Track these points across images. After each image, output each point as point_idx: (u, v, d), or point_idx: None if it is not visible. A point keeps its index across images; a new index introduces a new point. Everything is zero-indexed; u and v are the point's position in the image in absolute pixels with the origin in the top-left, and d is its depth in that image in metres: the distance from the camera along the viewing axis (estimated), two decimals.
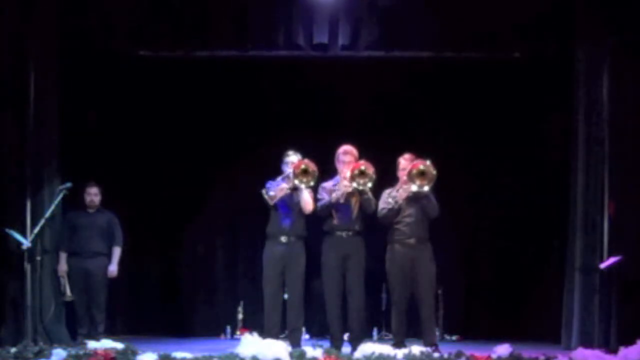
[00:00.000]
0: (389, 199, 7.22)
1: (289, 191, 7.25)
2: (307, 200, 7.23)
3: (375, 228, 7.54)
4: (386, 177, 7.67)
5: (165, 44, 8.14)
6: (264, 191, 7.31)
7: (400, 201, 7.13)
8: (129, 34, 7.97)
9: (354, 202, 7.23)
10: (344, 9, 7.98)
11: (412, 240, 7.15)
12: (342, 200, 7.16)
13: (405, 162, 7.21)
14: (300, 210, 7.27)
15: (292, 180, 7.17)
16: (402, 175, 7.20)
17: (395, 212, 7.16)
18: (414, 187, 7.02)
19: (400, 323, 7.19)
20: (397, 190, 7.21)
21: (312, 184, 7.12)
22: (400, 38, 8.05)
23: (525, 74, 8.66)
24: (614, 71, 7.72)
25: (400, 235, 7.16)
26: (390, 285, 7.30)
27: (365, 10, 7.99)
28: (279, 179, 7.31)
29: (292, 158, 7.29)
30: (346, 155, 7.24)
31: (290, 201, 7.29)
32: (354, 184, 7.07)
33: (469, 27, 7.97)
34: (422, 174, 7.00)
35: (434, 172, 6.99)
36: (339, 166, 7.27)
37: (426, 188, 7.02)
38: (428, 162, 7.01)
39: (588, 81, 7.83)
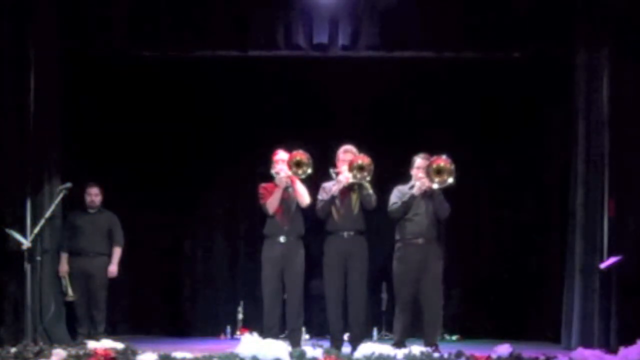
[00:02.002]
0: (400, 194, 7.22)
1: (285, 185, 7.23)
2: (302, 193, 7.22)
3: (376, 228, 7.54)
4: (386, 176, 7.68)
5: (165, 44, 8.13)
6: (262, 203, 7.30)
7: (417, 195, 7.10)
8: (129, 34, 7.96)
9: (355, 200, 7.23)
10: (344, 9, 7.98)
11: (420, 240, 7.14)
12: (335, 193, 7.14)
13: (420, 160, 7.19)
14: (298, 209, 7.27)
15: (284, 179, 7.16)
16: (416, 173, 7.18)
17: (408, 207, 7.14)
18: (435, 185, 7.00)
19: (402, 323, 7.18)
20: (411, 188, 7.21)
21: (309, 172, 7.11)
22: (400, 38, 8.05)
23: (525, 74, 8.66)
24: (614, 71, 7.72)
25: (409, 234, 7.15)
26: (395, 284, 7.26)
27: (365, 10, 7.98)
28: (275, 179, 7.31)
29: (282, 156, 7.29)
30: (347, 154, 7.24)
31: (287, 200, 7.29)
32: (351, 177, 7.06)
33: (469, 27, 7.97)
34: (440, 170, 6.98)
35: (452, 166, 6.95)
36: (340, 165, 7.26)
37: (450, 180, 6.98)
38: (445, 157, 6.99)
39: (588, 81, 7.83)
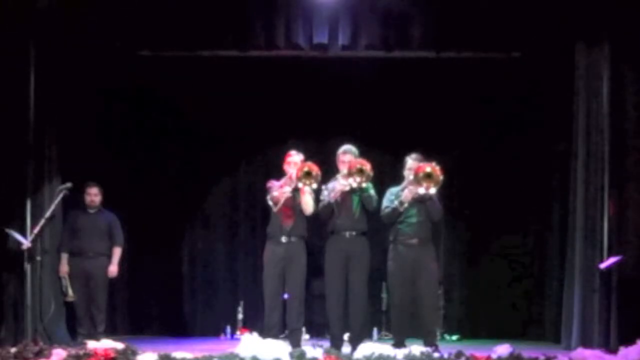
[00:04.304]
0: (392, 197, 7.22)
1: (290, 194, 7.24)
2: (307, 202, 7.22)
3: (376, 228, 7.54)
4: (386, 177, 7.69)
5: (166, 43, 8.15)
6: (268, 197, 7.31)
7: (406, 203, 7.12)
8: (129, 34, 7.96)
9: (356, 201, 7.22)
10: (344, 9, 7.98)
11: (414, 241, 7.15)
12: (333, 200, 7.14)
13: (412, 161, 7.19)
14: (301, 210, 7.27)
15: (294, 182, 7.17)
16: (409, 174, 7.19)
17: (398, 213, 7.16)
18: (420, 190, 7.00)
19: (400, 323, 7.20)
20: (403, 189, 7.21)
21: (314, 186, 7.12)
22: (400, 38, 8.05)
23: (525, 74, 8.65)
24: (614, 71, 7.72)
25: (402, 235, 7.17)
26: (391, 285, 7.31)
27: (365, 10, 7.99)
28: (282, 181, 7.30)
29: (295, 158, 7.29)
30: (346, 155, 7.24)
31: (291, 202, 7.29)
32: (351, 181, 7.07)
33: (469, 27, 7.97)
34: (428, 176, 6.97)
35: (441, 175, 6.96)
36: (340, 166, 7.26)
37: (432, 191, 6.99)
38: (434, 164, 7.00)
39: (588, 81, 7.82)
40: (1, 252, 7.55)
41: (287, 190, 7.21)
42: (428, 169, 6.96)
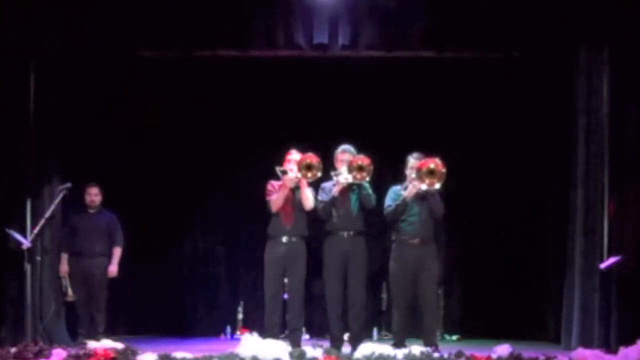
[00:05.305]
0: (394, 195, 7.22)
1: (297, 178, 7.20)
2: (307, 197, 7.22)
3: (376, 228, 7.53)
4: (386, 177, 7.68)
5: (166, 44, 8.15)
6: (267, 199, 7.31)
7: (409, 198, 7.12)
8: (130, 34, 7.96)
9: (354, 201, 7.23)
10: (344, 9, 7.98)
11: (416, 240, 7.15)
12: (336, 194, 7.14)
13: (414, 160, 7.19)
14: (301, 210, 7.27)
15: (292, 180, 7.16)
16: (411, 172, 7.18)
17: (402, 209, 7.16)
18: (423, 186, 7.01)
19: (400, 323, 7.20)
20: (405, 188, 7.21)
21: (319, 175, 7.12)
22: (400, 38, 8.06)
23: (525, 74, 8.65)
24: (614, 71, 7.72)
25: (404, 234, 7.17)
26: (392, 285, 7.31)
27: (365, 10, 7.99)
28: (280, 181, 7.30)
29: (296, 156, 7.29)
30: (344, 154, 7.25)
31: (292, 201, 7.29)
32: (351, 178, 7.07)
33: (469, 27, 7.97)
34: (431, 172, 6.98)
35: (444, 170, 6.97)
36: (338, 165, 7.26)
37: (437, 186, 7.01)
38: (438, 160, 7.00)
39: (588, 80, 7.83)
40: (1, 252, 7.55)
41: (293, 176, 7.18)
42: (432, 166, 6.97)
